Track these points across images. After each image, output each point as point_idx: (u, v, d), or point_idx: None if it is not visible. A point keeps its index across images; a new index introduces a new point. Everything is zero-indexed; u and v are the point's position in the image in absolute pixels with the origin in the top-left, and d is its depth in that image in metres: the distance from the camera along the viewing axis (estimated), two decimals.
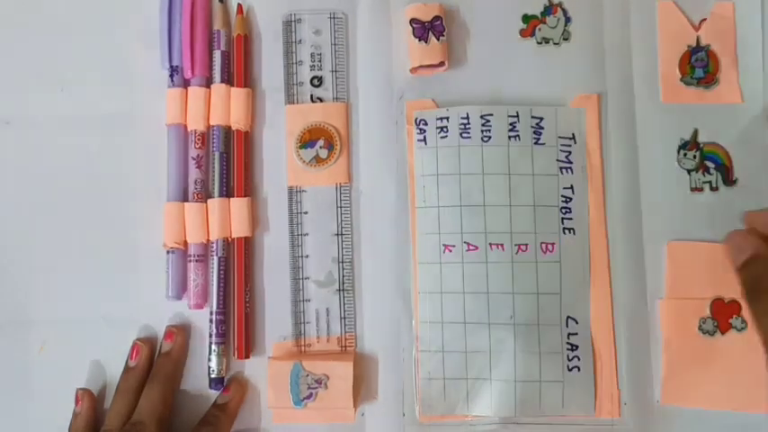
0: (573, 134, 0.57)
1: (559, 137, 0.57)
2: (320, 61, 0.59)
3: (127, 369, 0.56)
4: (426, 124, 0.57)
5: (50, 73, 0.61)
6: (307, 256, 0.58)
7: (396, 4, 0.59)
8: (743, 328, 0.55)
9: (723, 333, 0.56)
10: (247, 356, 0.57)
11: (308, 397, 0.55)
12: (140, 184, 0.59)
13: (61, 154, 0.60)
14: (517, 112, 0.57)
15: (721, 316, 0.55)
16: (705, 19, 0.59)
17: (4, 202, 0.60)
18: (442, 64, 0.58)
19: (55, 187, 0.60)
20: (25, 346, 0.59)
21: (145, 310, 0.59)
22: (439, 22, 0.58)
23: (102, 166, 0.60)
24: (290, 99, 0.59)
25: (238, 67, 0.58)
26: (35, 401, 0.59)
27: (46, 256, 0.59)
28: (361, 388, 0.57)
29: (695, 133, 0.58)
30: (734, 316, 0.55)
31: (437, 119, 0.57)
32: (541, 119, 0.57)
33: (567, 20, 0.59)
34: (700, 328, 0.56)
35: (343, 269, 0.58)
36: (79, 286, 0.59)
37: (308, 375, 0.55)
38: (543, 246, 0.56)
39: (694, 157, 0.57)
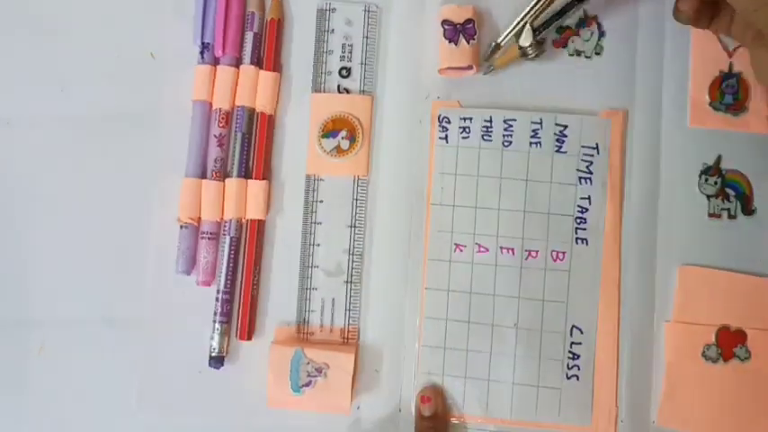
0: (597, 144, 0.58)
1: (582, 146, 0.58)
2: (350, 53, 0.60)
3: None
4: (449, 122, 0.58)
5: (57, 64, 0.63)
6: (318, 245, 0.59)
7: (431, 3, 0.59)
8: (746, 358, 0.56)
9: (726, 361, 0.56)
10: (249, 338, 0.58)
11: (307, 384, 0.56)
12: (161, 158, 0.59)
13: (59, 152, 0.61)
14: (541, 119, 0.58)
15: (726, 344, 0.56)
16: (740, 46, 0.58)
17: (4, 201, 0.61)
18: (470, 67, 0.59)
19: (55, 187, 0.61)
20: (25, 347, 0.60)
21: (153, 284, 0.59)
22: (471, 25, 0.59)
23: (64, 165, 0.61)
24: (317, 87, 0.60)
25: (269, 50, 0.59)
26: (35, 402, 0.60)
27: (46, 256, 0.61)
28: (360, 381, 0.58)
29: (719, 159, 0.58)
30: (738, 345, 0.56)
31: (460, 118, 0.58)
32: (565, 127, 0.58)
33: (601, 34, 0.60)
34: (703, 354, 0.56)
35: (352, 261, 0.58)
36: (79, 286, 0.61)
37: (308, 363, 0.56)
38: (554, 254, 0.57)
39: (715, 183, 0.58)
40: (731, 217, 0.58)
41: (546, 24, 0.58)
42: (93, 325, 0.60)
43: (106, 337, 0.60)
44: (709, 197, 0.58)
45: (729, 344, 0.56)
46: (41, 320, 0.60)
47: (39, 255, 0.61)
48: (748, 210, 0.58)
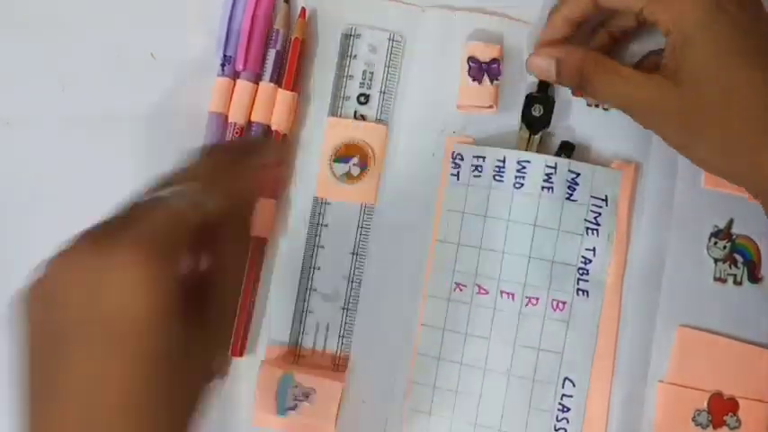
0: (606, 196, 0.58)
1: (592, 196, 0.57)
2: (371, 80, 0.60)
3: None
4: (462, 159, 0.58)
5: (60, 64, 0.63)
6: (318, 268, 0.59)
7: (456, 37, 0.60)
8: (735, 427, 0.56)
9: (715, 428, 0.56)
10: (241, 354, 0.58)
11: (293, 408, 0.56)
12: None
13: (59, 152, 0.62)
14: (555, 164, 0.58)
15: (717, 411, 0.56)
16: None
17: (4, 201, 0.62)
18: (490, 107, 0.59)
19: (55, 187, 0.62)
20: None
21: None
22: (496, 65, 0.59)
23: (63, 165, 0.62)
24: (334, 111, 0.60)
25: (290, 69, 0.60)
26: None
27: (46, 256, 0.60)
28: (345, 410, 0.58)
29: (730, 223, 0.58)
30: (730, 413, 0.56)
31: (473, 156, 0.58)
32: (578, 174, 0.57)
33: None
34: (693, 419, 0.56)
35: (351, 288, 0.59)
36: None
37: (296, 387, 0.56)
38: (554, 303, 0.57)
39: (724, 247, 0.58)
40: (737, 283, 0.58)
41: None
42: None
43: None
44: (716, 261, 0.58)
45: (721, 411, 0.56)
46: None
47: (39, 255, 0.61)
48: (755, 277, 0.58)
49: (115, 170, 0.61)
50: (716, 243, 0.58)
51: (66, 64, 0.63)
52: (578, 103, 0.60)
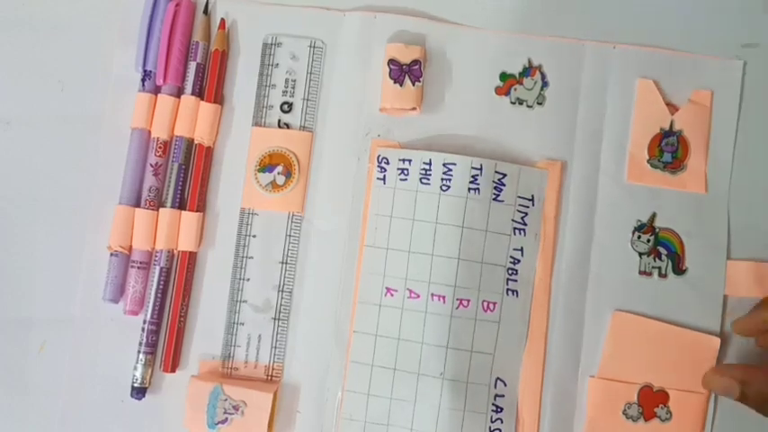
0: (532, 196, 0.58)
1: (519, 196, 0.58)
2: (293, 87, 0.60)
3: None
4: (388, 163, 0.58)
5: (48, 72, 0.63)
6: (248, 280, 0.59)
7: (377, 40, 0.60)
8: (667, 419, 0.56)
9: (647, 420, 0.57)
10: (173, 370, 0.58)
11: (223, 421, 0.56)
12: (97, 184, 0.60)
13: (59, 152, 0.62)
14: (481, 165, 0.58)
15: (647, 404, 0.56)
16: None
17: (4, 201, 0.61)
18: (414, 109, 0.59)
19: (55, 187, 0.61)
20: (25, 346, 0.60)
21: (81, 309, 0.60)
22: (417, 67, 0.59)
23: (63, 165, 0.61)
24: (258, 121, 0.60)
25: (211, 81, 0.60)
26: (35, 401, 0.60)
27: (46, 255, 0.61)
28: (280, 420, 0.58)
29: (653, 217, 0.58)
30: (660, 405, 0.56)
31: (399, 160, 0.58)
32: (504, 175, 0.58)
33: (545, 84, 0.60)
34: (624, 413, 0.57)
35: (281, 298, 0.59)
36: (80, 286, 0.60)
37: (226, 399, 0.56)
38: (485, 304, 0.57)
39: (648, 240, 0.58)
40: (662, 276, 0.59)
41: None
42: (93, 324, 0.60)
43: (107, 335, 0.60)
44: (641, 254, 0.59)
45: (651, 403, 0.57)
46: (42, 320, 0.60)
47: (39, 254, 0.61)
48: (679, 269, 0.59)
49: (75, 168, 0.61)
50: (639, 237, 0.59)
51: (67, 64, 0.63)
52: (503, 102, 0.61)
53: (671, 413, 0.56)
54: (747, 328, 0.57)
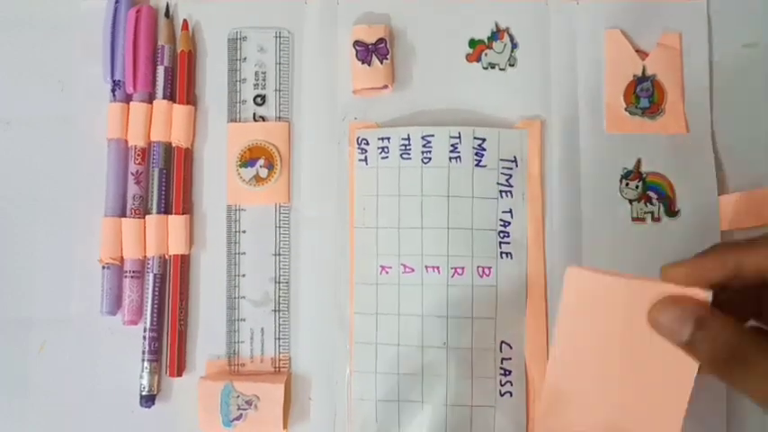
0: (515, 157, 0.58)
1: (501, 159, 0.58)
2: (264, 80, 0.60)
3: None
4: (368, 144, 0.59)
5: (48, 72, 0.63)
6: (243, 275, 0.59)
7: (342, 24, 0.60)
8: None
9: None
10: (179, 374, 0.58)
11: (238, 418, 0.56)
12: (79, 197, 0.60)
13: (59, 152, 0.62)
14: (459, 134, 0.58)
15: None
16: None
17: (4, 201, 0.61)
18: (385, 87, 0.59)
19: (55, 187, 0.61)
20: (25, 346, 0.60)
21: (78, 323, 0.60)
22: (383, 45, 0.59)
23: (63, 165, 0.62)
24: (233, 117, 0.60)
25: (181, 83, 0.60)
26: (35, 401, 0.60)
27: (46, 255, 0.61)
28: (294, 409, 0.58)
29: (638, 163, 0.59)
30: None
31: (378, 139, 0.58)
32: (484, 140, 0.58)
33: (514, 45, 0.60)
34: None
35: (279, 289, 0.59)
36: (80, 285, 0.60)
37: (238, 396, 0.56)
38: (480, 269, 0.57)
39: (637, 186, 0.58)
40: (655, 220, 0.59)
41: None
42: (93, 325, 0.60)
43: (108, 347, 0.60)
44: (631, 201, 0.59)
45: None
46: (42, 320, 0.60)
47: (39, 254, 0.61)
48: (672, 211, 0.59)
49: (54, 182, 0.61)
50: (627, 184, 0.59)
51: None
52: (475, 69, 0.61)
53: None
54: (678, 279, 0.42)
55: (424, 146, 0.58)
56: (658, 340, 0.42)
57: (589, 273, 0.44)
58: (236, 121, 0.60)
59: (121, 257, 0.59)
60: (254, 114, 0.60)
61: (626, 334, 0.43)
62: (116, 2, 0.60)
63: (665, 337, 0.41)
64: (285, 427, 0.58)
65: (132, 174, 0.59)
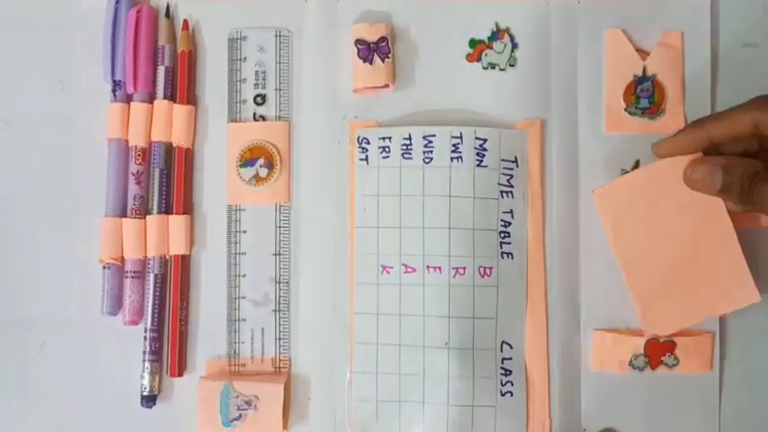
0: (516, 157, 0.58)
1: (502, 159, 0.58)
2: (264, 79, 0.60)
3: None
4: (369, 143, 0.58)
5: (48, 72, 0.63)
6: (244, 276, 0.59)
7: (342, 23, 0.60)
8: (674, 365, 0.56)
9: (653, 369, 0.56)
10: (180, 374, 0.58)
11: (238, 418, 0.56)
12: (79, 197, 0.60)
13: (59, 152, 0.62)
14: (461, 134, 0.58)
15: (654, 354, 0.57)
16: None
17: (4, 201, 0.61)
18: (386, 86, 0.59)
19: (55, 187, 0.61)
20: (25, 346, 0.60)
21: (79, 323, 0.60)
22: (384, 44, 0.59)
23: (63, 165, 0.62)
24: (233, 117, 0.60)
25: (182, 83, 0.59)
26: (35, 401, 0.60)
27: (46, 255, 0.61)
28: (294, 410, 0.58)
29: (636, 164, 0.58)
30: (667, 354, 0.56)
31: (379, 138, 0.58)
32: (485, 140, 0.58)
33: (514, 46, 0.60)
34: (630, 363, 0.57)
35: (280, 289, 0.59)
36: (80, 285, 0.60)
37: (237, 396, 0.56)
38: (481, 269, 0.57)
39: None
40: None
41: None
42: (93, 325, 0.60)
43: (108, 335, 0.60)
44: None
45: (658, 354, 0.57)
46: (42, 320, 0.60)
47: (39, 254, 0.61)
48: None
49: (55, 182, 0.61)
50: None
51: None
52: (475, 69, 0.60)
53: (678, 359, 0.57)
54: (669, 151, 0.54)
55: (425, 146, 0.58)
56: (689, 202, 0.53)
57: (610, 185, 0.56)
58: (236, 121, 0.60)
59: (122, 258, 0.59)
60: (255, 114, 0.60)
61: (663, 211, 0.55)
62: (116, 2, 0.60)
63: (701, 190, 0.52)
64: (285, 427, 0.58)
65: (133, 174, 0.59)
